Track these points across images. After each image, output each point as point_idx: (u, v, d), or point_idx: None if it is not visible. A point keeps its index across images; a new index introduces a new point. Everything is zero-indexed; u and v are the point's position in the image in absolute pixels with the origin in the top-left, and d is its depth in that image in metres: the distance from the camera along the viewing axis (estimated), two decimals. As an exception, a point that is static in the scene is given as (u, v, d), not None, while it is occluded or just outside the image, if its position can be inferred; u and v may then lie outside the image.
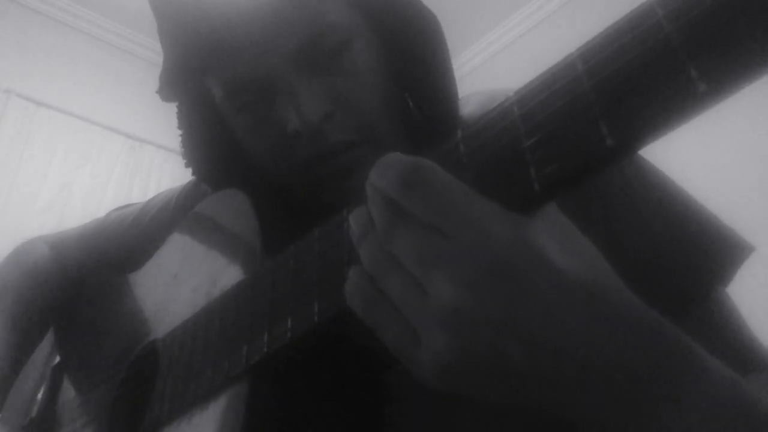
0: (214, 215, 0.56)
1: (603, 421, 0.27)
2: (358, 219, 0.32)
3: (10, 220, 2.46)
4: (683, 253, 0.44)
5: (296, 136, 0.48)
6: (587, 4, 2.52)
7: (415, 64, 0.54)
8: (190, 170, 0.59)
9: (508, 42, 2.96)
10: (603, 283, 0.27)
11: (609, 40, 0.25)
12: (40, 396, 0.67)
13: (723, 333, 0.43)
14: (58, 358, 0.70)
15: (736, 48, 0.21)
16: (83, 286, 0.72)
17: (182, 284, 0.54)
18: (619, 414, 0.26)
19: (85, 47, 3.00)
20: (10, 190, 2.56)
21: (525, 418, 0.43)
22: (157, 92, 0.55)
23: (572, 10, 2.64)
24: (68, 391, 0.64)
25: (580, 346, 0.26)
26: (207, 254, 0.53)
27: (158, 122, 3.00)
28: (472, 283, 0.26)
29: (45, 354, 0.71)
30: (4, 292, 0.69)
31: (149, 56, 3.08)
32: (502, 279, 0.26)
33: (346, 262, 0.35)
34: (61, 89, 2.81)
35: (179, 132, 0.58)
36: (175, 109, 0.59)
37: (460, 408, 0.43)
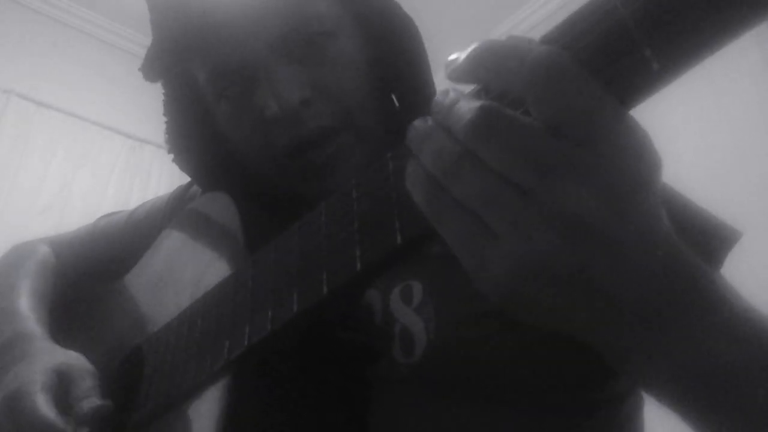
0: (198, 220, 0.56)
1: (638, 348, 0.28)
2: (418, 124, 0.29)
3: (10, 220, 2.46)
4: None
5: (274, 121, 0.49)
6: (587, 5, 2.51)
7: (396, 62, 0.55)
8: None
9: (508, 42, 2.96)
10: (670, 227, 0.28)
11: (570, 24, 0.27)
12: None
13: None
14: None
15: (687, 30, 0.23)
16: (76, 291, 0.72)
17: (167, 288, 0.55)
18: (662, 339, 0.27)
19: (85, 47, 3.00)
20: (10, 190, 2.56)
21: (506, 416, 0.43)
22: (139, 70, 0.55)
23: (572, 10, 2.63)
24: None
25: (660, 287, 0.26)
26: (191, 257, 0.54)
27: (158, 122, 2.97)
28: (606, 193, 0.24)
29: None
30: (16, 272, 0.68)
31: (149, 56, 3.08)
32: (634, 199, 0.25)
33: (323, 254, 0.35)
34: (61, 89, 2.81)
35: (164, 120, 0.59)
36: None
37: (444, 403, 0.44)
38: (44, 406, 0.44)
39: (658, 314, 0.27)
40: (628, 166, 0.25)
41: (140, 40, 3.12)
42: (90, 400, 0.46)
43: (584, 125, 0.24)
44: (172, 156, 0.59)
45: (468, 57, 0.27)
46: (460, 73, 0.28)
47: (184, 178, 0.70)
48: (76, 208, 2.68)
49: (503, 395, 0.43)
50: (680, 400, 0.30)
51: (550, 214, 0.24)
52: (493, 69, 0.26)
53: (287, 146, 0.50)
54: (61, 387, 0.47)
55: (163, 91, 0.59)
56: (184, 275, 0.53)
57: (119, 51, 3.11)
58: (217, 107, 0.54)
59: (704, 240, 0.46)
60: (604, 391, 0.46)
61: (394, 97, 0.59)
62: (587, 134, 0.24)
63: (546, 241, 0.24)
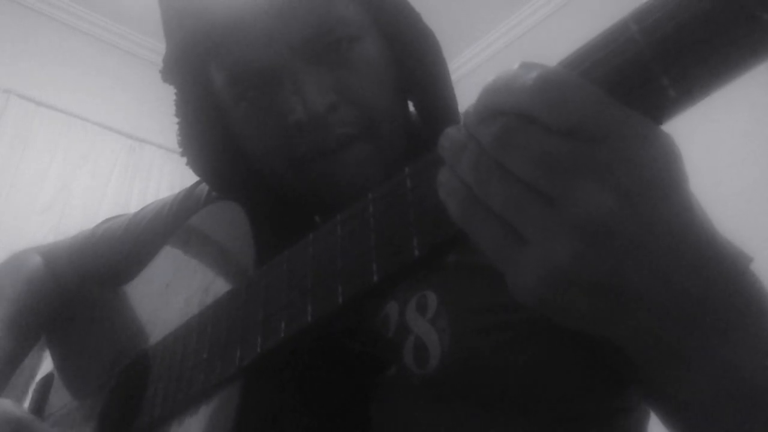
0: (207, 228, 0.56)
1: (671, 354, 0.28)
2: (453, 135, 0.29)
3: (10, 220, 2.46)
4: None
5: (298, 127, 0.48)
6: (586, 6, 2.52)
7: (417, 70, 0.54)
8: (190, 171, 0.59)
9: (508, 43, 2.96)
10: (713, 228, 0.28)
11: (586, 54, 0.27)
12: (26, 408, 0.67)
13: None
14: (40, 373, 0.70)
15: (704, 60, 0.23)
16: (76, 298, 0.71)
17: (175, 294, 0.54)
18: (689, 347, 0.27)
19: (85, 47, 3.00)
20: (10, 190, 2.56)
21: (518, 425, 0.43)
22: (159, 71, 0.54)
23: (571, 11, 2.64)
24: (56, 402, 0.64)
25: (695, 286, 0.26)
26: (200, 264, 0.53)
27: (158, 122, 2.99)
28: (624, 192, 0.24)
29: (29, 367, 0.71)
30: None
31: (150, 57, 3.07)
32: (654, 195, 0.24)
33: (339, 266, 0.36)
34: (61, 89, 2.81)
35: (176, 120, 0.57)
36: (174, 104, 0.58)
37: (456, 412, 0.44)
38: None
39: (697, 318, 0.26)
40: (648, 167, 0.24)
41: (141, 41, 3.12)
42: None
43: (591, 123, 0.24)
44: (185, 159, 0.58)
45: (479, 99, 0.28)
46: (478, 114, 0.28)
47: (184, 179, 0.70)
48: (76, 208, 2.68)
49: (516, 405, 0.43)
50: (698, 414, 0.30)
51: (573, 218, 0.24)
52: (505, 97, 0.27)
53: (308, 153, 0.49)
54: None
55: (175, 92, 0.57)
56: (192, 283, 0.52)
57: (119, 51, 3.11)
58: (235, 110, 0.52)
59: None
60: (615, 402, 0.46)
61: (411, 106, 0.58)
62: (596, 131, 0.24)
63: (571, 247, 0.24)
